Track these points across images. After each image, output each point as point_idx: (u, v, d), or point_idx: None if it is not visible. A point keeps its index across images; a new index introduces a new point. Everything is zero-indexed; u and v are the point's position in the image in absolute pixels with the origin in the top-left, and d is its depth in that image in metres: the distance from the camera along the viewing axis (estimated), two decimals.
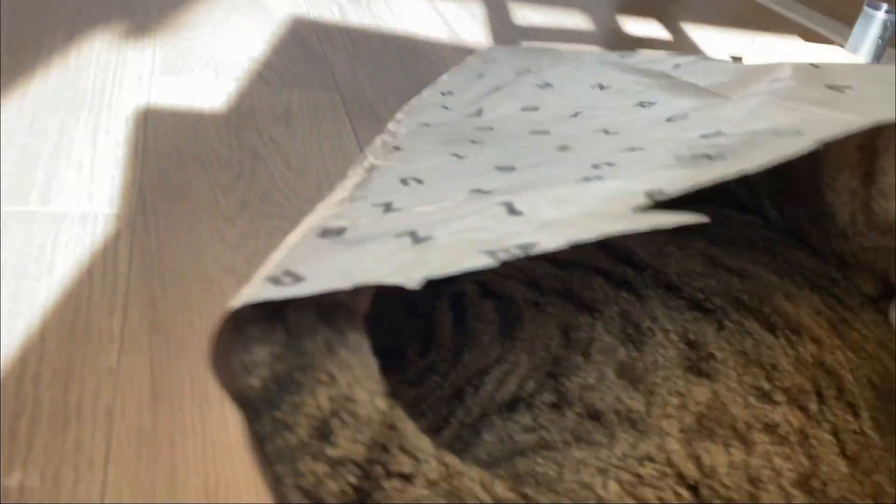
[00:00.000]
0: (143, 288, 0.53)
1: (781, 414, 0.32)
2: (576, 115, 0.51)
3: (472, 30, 1.16)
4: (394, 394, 0.35)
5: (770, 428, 0.31)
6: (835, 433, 0.32)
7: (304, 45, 1.00)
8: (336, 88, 0.90)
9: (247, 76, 0.88)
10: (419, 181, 0.41)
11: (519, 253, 0.28)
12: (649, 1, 1.56)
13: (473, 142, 0.49)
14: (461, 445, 0.33)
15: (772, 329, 0.35)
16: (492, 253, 0.28)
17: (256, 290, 0.28)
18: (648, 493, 0.29)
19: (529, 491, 0.28)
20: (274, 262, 0.31)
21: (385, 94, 0.90)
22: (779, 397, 0.32)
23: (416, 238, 0.30)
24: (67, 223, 0.58)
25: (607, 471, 0.30)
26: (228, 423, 0.44)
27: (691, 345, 0.34)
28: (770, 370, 0.33)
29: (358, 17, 1.13)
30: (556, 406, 0.33)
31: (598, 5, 1.43)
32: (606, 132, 0.46)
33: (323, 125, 0.81)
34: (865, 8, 1.32)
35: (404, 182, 0.41)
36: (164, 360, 0.48)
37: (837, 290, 0.40)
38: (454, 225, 0.31)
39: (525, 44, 1.16)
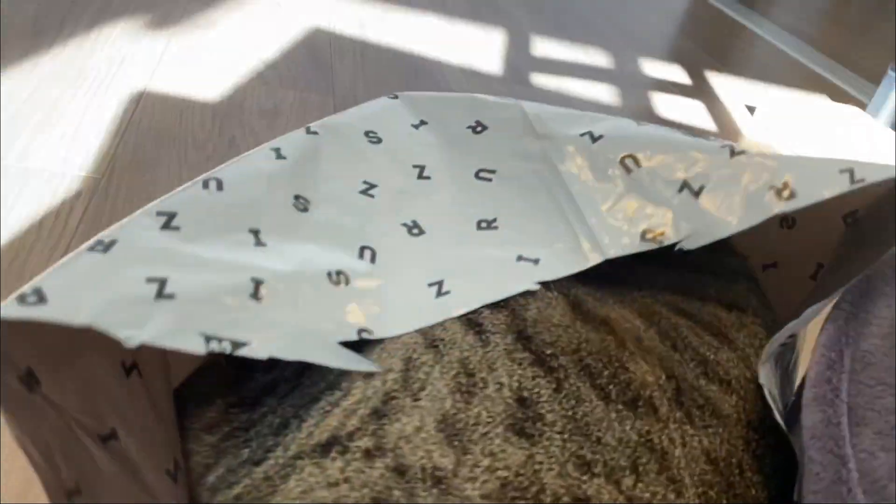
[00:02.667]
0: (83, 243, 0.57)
1: (595, 488, 0.30)
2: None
3: (489, 57, 1.20)
4: (226, 414, 0.36)
5: (579, 502, 0.30)
6: None
7: (314, 52, 1.05)
8: (332, 93, 0.94)
9: (248, 74, 0.93)
10: (219, 185, 0.36)
11: (227, 348, 0.29)
12: (677, 47, 1.57)
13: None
14: (269, 489, 0.31)
15: (606, 398, 0.34)
16: (208, 339, 0.28)
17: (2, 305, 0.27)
18: None
19: None
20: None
21: (376, 96, 0.94)
22: (597, 469, 0.31)
23: (160, 291, 0.29)
24: (35, 179, 0.63)
25: None
26: None
27: (522, 402, 0.33)
28: (594, 442, 0.32)
29: (376, 34, 1.18)
30: (368, 454, 0.31)
31: (622, 46, 1.45)
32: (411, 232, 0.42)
33: (307, 122, 0.85)
34: (889, 71, 1.31)
35: (205, 185, 0.36)
36: None
37: (706, 339, 0.39)
38: (198, 280, 0.31)
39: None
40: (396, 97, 0.48)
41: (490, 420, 0.32)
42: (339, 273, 0.36)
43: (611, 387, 0.34)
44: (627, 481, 0.31)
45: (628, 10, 1.83)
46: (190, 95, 0.84)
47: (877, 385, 0.32)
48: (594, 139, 0.42)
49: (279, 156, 0.40)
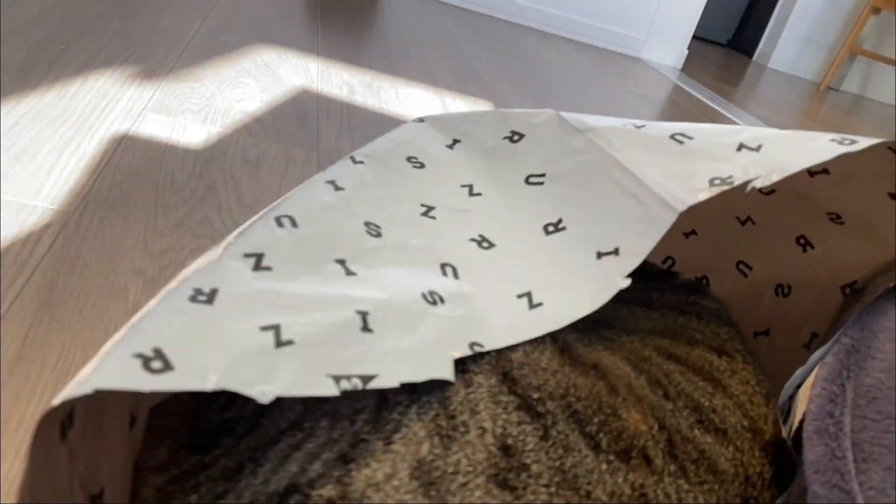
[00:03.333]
0: (50, 272, 0.55)
1: None
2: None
3: None
4: (175, 455, 0.33)
5: None
6: None
7: (301, 111, 1.06)
8: (316, 148, 0.94)
9: (233, 125, 0.93)
10: (293, 222, 0.36)
11: (358, 384, 0.27)
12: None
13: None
14: None
15: (597, 448, 0.32)
16: (337, 379, 0.27)
17: (119, 367, 0.24)
18: None
19: None
20: (143, 321, 0.27)
21: None
22: None
23: (278, 339, 0.28)
24: (5, 209, 0.61)
25: None
26: None
27: (506, 450, 0.31)
28: (583, 497, 0.30)
29: (364, 98, 1.20)
30: None
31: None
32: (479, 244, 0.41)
33: (289, 173, 0.84)
34: None
35: (279, 223, 0.36)
36: (41, 333, 0.49)
37: (699, 384, 0.37)
38: (309, 321, 0.29)
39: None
40: (423, 120, 0.47)
41: (471, 469, 0.29)
42: (431, 293, 0.35)
43: (601, 435, 0.32)
44: None
45: (611, 93, 1.88)
46: (172, 141, 0.83)
47: (884, 419, 0.31)
48: (638, 127, 0.41)
49: (336, 187, 0.39)
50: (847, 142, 0.35)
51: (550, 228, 0.40)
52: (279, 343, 0.27)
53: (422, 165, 0.43)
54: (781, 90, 3.07)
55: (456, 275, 0.37)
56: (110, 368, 0.24)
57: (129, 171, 0.74)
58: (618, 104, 1.75)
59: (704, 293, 0.45)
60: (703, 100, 2.19)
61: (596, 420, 0.32)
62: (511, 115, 0.46)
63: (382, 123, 1.10)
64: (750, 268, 0.49)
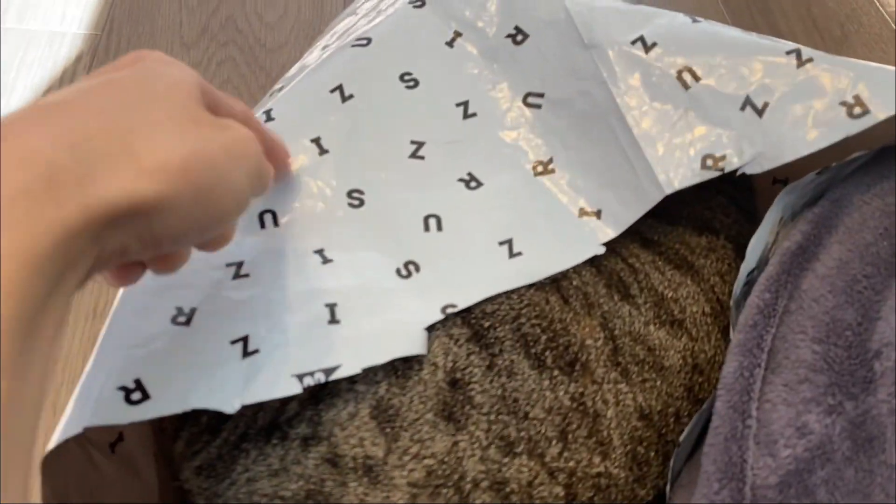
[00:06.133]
0: None
1: (516, 468, 0.31)
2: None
3: None
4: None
5: (497, 486, 0.30)
6: (569, 484, 0.31)
7: None
8: None
9: None
10: (274, 219, 0.35)
11: (321, 378, 0.29)
12: None
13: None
14: (223, 468, 0.32)
15: (540, 366, 0.33)
16: (300, 377, 0.29)
17: (103, 403, 0.27)
18: None
19: None
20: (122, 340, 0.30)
21: None
22: (520, 447, 0.31)
23: (245, 349, 0.30)
24: (36, 42, 0.63)
25: None
26: None
27: (454, 384, 0.32)
28: (521, 419, 0.32)
29: None
30: (305, 442, 0.31)
31: None
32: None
33: None
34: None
35: (262, 223, 0.35)
36: None
37: (667, 274, 0.37)
38: (277, 325, 0.31)
39: None
40: (424, 4, 0.42)
41: (422, 405, 0.32)
42: (407, 264, 0.35)
43: (547, 353, 0.34)
44: (553, 451, 0.32)
45: None
46: None
47: (798, 333, 0.31)
48: (647, 47, 0.37)
49: (322, 150, 0.37)
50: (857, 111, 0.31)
51: (540, 168, 0.39)
52: (246, 353, 0.30)
53: (415, 84, 0.40)
54: None
55: (440, 226, 0.37)
56: (95, 405, 0.27)
57: None
58: None
59: None
60: None
61: (544, 338, 0.34)
62: (517, 1, 0.40)
63: None
64: None
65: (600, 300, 0.36)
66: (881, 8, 0.81)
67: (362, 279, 0.34)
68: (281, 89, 0.39)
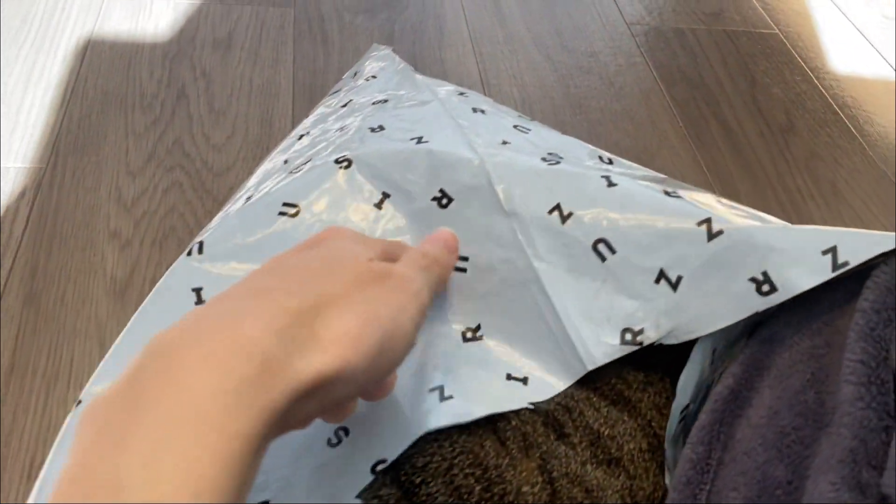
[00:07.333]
0: (31, 256, 0.58)
1: None
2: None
3: None
4: None
5: None
6: None
7: None
8: (293, 3, 0.87)
9: None
10: None
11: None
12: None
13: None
14: None
15: None
16: None
17: None
18: None
19: None
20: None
21: (340, 10, 0.87)
22: None
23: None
24: None
25: None
26: (68, 403, 0.50)
27: None
28: None
29: None
30: None
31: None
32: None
33: (262, 51, 0.80)
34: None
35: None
36: (28, 334, 0.53)
37: (603, 411, 0.37)
38: None
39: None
40: (350, 164, 0.41)
41: None
42: (337, 431, 0.35)
43: None
44: None
45: None
46: (139, 33, 0.80)
47: (731, 490, 0.31)
48: (563, 217, 0.37)
49: None
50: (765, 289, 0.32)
51: (469, 335, 0.39)
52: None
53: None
54: None
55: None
56: None
57: (96, 92, 0.72)
58: None
59: None
60: None
61: (478, 489, 0.33)
62: (440, 162, 0.40)
63: None
64: None
65: (539, 440, 0.35)
66: (825, 92, 0.83)
67: (294, 467, 0.34)
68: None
